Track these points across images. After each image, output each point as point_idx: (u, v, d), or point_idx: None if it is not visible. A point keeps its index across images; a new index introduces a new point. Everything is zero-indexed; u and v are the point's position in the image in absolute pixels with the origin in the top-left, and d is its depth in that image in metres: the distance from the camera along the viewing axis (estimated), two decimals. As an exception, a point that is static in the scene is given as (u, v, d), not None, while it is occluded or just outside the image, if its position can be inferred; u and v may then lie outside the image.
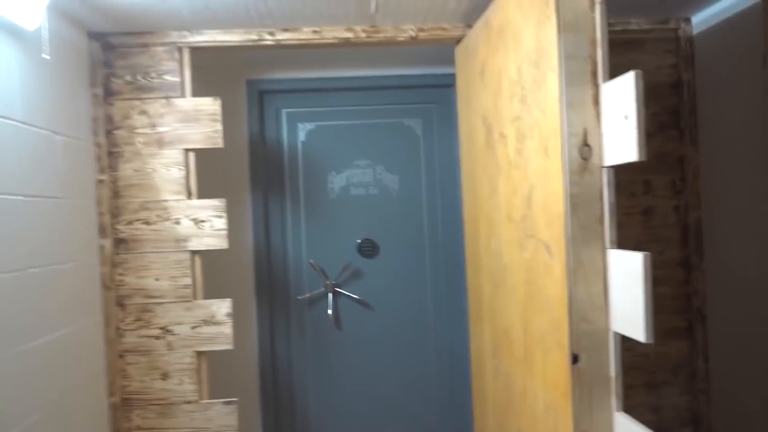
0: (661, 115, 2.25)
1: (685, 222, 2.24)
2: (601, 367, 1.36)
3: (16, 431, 1.51)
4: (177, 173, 2.10)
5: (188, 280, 2.11)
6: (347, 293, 2.69)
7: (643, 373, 2.24)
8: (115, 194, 2.10)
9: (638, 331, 1.22)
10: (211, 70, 2.58)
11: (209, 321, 2.11)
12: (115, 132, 2.10)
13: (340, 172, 2.70)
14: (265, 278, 2.67)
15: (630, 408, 1.39)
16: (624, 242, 1.50)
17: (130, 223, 2.10)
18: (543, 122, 1.45)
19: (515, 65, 1.62)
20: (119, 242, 2.10)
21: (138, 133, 2.10)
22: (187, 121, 2.10)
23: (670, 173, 2.23)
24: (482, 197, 2.01)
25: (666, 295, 2.24)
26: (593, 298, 1.36)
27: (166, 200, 2.11)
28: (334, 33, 2.14)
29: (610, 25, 1.48)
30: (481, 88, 1.95)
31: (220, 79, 2.61)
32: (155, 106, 2.10)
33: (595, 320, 1.36)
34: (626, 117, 1.23)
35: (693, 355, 2.24)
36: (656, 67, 2.22)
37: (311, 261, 2.68)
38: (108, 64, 2.10)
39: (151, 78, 2.11)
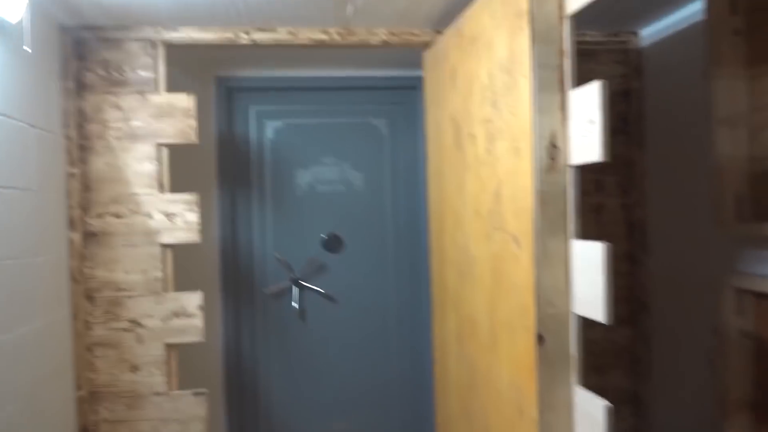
0: (611, 121, 2.43)
1: (631, 219, 2.43)
2: (564, 346, 1.49)
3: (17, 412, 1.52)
4: (149, 167, 2.12)
5: (159, 273, 2.13)
6: (312, 287, 2.76)
7: (591, 358, 2.41)
8: (86, 187, 2.10)
9: (598, 313, 1.36)
10: (181, 66, 2.59)
11: (180, 313, 2.14)
12: (86, 125, 2.10)
13: (307, 169, 2.77)
14: (231, 272, 2.71)
15: (588, 385, 1.54)
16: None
17: (100, 216, 2.11)
18: (514, 125, 1.58)
19: (487, 71, 1.74)
20: (89, 235, 2.10)
21: (110, 127, 2.11)
22: (160, 116, 2.12)
23: (618, 174, 2.42)
24: (449, 193, 2.13)
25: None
26: (557, 285, 1.49)
27: (137, 194, 2.12)
28: (309, 34, 2.21)
29: (572, 37, 1.62)
30: (451, 90, 2.07)
31: (189, 75, 2.63)
32: (129, 101, 2.11)
33: (559, 304, 1.49)
34: (591, 122, 1.37)
35: (636, 342, 2.44)
36: (608, 76, 2.39)
37: (276, 254, 2.73)
38: (81, 58, 2.10)
39: (125, 72, 2.12)
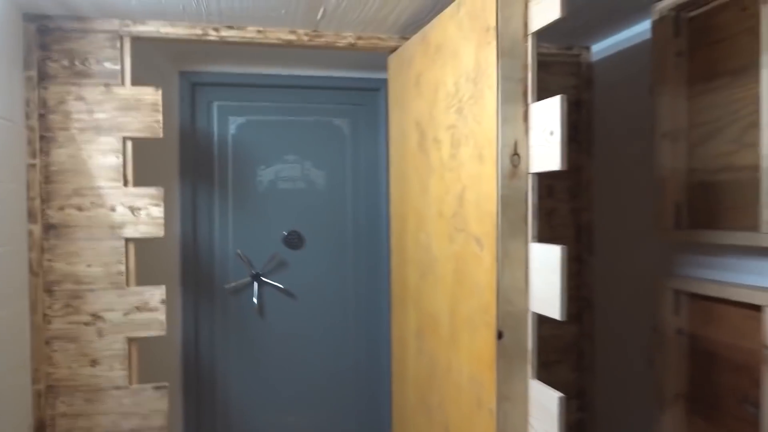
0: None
1: (579, 222, 2.58)
2: (521, 342, 1.60)
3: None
4: (114, 161, 2.11)
5: (122, 267, 2.12)
6: (272, 282, 2.79)
7: (540, 354, 2.55)
8: (47, 179, 2.07)
9: (555, 311, 1.47)
10: (144, 59, 2.56)
11: (143, 308, 2.14)
12: (49, 116, 2.07)
13: (269, 166, 2.80)
14: (191, 267, 2.71)
15: (542, 377, 1.65)
16: (539, 238, 1.76)
17: (61, 208, 2.08)
18: (479, 132, 1.67)
19: (453, 80, 1.83)
20: (49, 227, 2.07)
21: (74, 119, 2.08)
22: (126, 110, 2.11)
23: (568, 180, 2.56)
24: (412, 195, 2.21)
25: (561, 286, 2.57)
26: (516, 284, 1.59)
27: (101, 187, 2.10)
28: (278, 34, 2.24)
29: (534, 52, 1.73)
30: (416, 95, 2.15)
31: (152, 68, 2.60)
32: (93, 93, 2.09)
33: (518, 302, 1.60)
34: (552, 133, 1.47)
35: (581, 338, 2.60)
36: (561, 87, 2.54)
37: (238, 251, 2.75)
38: (44, 47, 2.06)
39: (90, 64, 2.09)
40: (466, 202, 1.76)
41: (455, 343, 1.84)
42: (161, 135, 2.15)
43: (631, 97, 2.39)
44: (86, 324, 2.10)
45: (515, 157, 1.59)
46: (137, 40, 2.16)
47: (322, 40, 2.29)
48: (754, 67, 1.76)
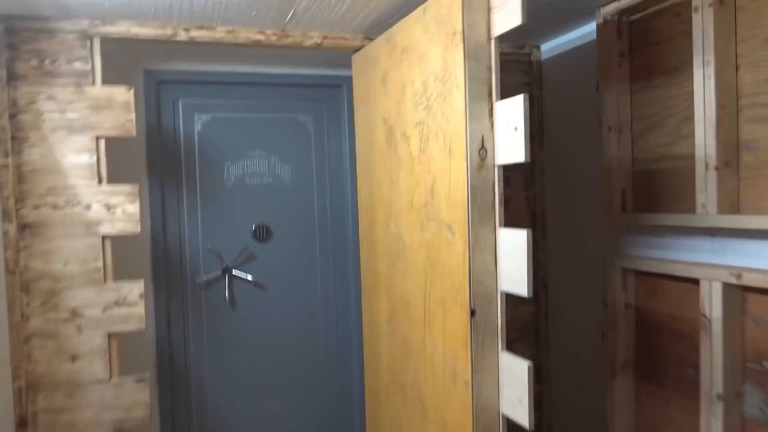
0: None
1: (533, 209, 2.77)
2: (491, 318, 1.75)
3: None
4: (87, 159, 2.13)
5: (99, 264, 2.16)
6: (242, 275, 2.87)
7: (501, 334, 2.74)
8: (20, 179, 2.08)
9: (522, 289, 1.63)
10: (108, 57, 2.58)
11: (121, 303, 2.18)
12: (19, 116, 2.07)
13: (236, 162, 2.86)
14: (162, 262, 2.74)
15: (510, 351, 1.81)
16: (503, 224, 1.91)
17: (36, 207, 2.10)
18: (447, 128, 1.81)
19: (420, 79, 1.96)
20: (24, 227, 2.09)
21: (45, 119, 2.10)
22: (98, 109, 2.14)
23: (522, 170, 2.75)
24: (381, 188, 2.33)
25: (518, 269, 2.76)
26: (487, 266, 1.75)
27: (75, 185, 2.13)
28: (246, 34, 2.31)
29: (495, 53, 1.88)
30: (382, 94, 2.27)
31: (116, 67, 2.61)
32: (64, 93, 2.11)
33: (487, 283, 1.75)
34: (516, 128, 1.63)
35: (537, 317, 2.80)
36: (514, 83, 2.71)
37: (209, 246, 2.81)
38: (12, 47, 2.06)
39: (60, 64, 2.11)
40: (436, 192, 1.90)
41: (429, 323, 1.98)
42: (134, 134, 2.19)
43: (577, 93, 2.59)
44: (65, 321, 2.13)
45: (482, 150, 1.74)
46: (106, 40, 2.18)
47: (290, 40, 2.38)
48: (688, 66, 1.97)
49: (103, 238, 2.16)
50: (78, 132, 2.12)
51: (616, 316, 2.27)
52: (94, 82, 2.14)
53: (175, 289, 2.79)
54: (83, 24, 2.12)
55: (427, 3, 1.90)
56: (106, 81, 2.17)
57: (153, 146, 2.72)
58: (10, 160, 2.05)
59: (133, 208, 2.18)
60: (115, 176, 2.22)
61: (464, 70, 1.71)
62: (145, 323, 2.42)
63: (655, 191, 2.16)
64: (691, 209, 1.97)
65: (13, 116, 2.06)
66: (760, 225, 1.70)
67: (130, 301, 2.19)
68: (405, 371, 2.19)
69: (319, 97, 2.99)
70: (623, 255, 2.29)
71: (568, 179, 2.67)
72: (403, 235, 2.16)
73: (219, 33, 2.28)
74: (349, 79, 2.90)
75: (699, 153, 1.90)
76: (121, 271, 2.41)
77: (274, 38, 2.35)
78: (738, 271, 1.77)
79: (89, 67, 2.14)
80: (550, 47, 2.75)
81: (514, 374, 1.67)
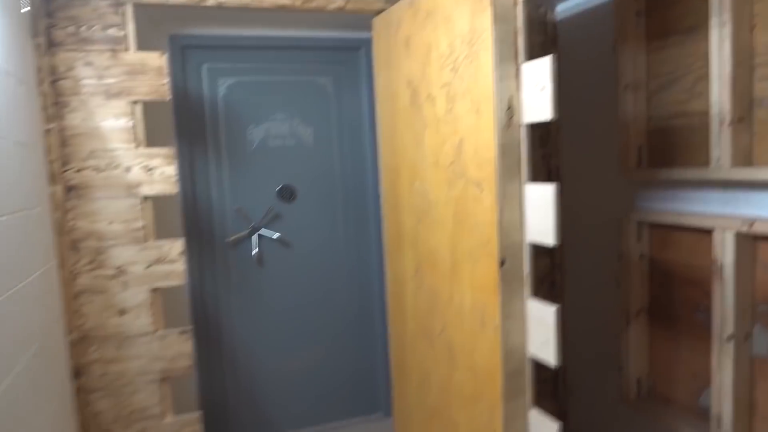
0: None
1: (549, 167, 2.88)
2: (519, 268, 1.88)
3: (24, 359, 1.66)
4: (125, 123, 2.22)
5: (141, 223, 2.27)
6: (268, 234, 2.99)
7: (517, 286, 2.87)
8: (64, 143, 2.17)
9: (549, 239, 1.74)
10: (136, 23, 2.64)
11: (163, 260, 2.30)
12: (60, 82, 2.15)
13: (260, 125, 2.94)
14: (193, 222, 2.86)
15: (534, 298, 1.94)
16: (527, 180, 2.02)
17: (79, 170, 2.20)
18: (475, 89, 1.90)
19: (446, 42, 2.04)
20: (70, 189, 2.19)
21: (84, 84, 2.18)
22: (133, 74, 2.22)
23: (538, 130, 2.84)
24: (405, 147, 2.43)
25: (534, 225, 2.88)
26: (514, 219, 1.86)
27: (115, 149, 2.22)
28: (273, -1, 2.37)
29: (520, 15, 1.95)
30: (405, 56, 2.34)
31: (143, 32, 2.67)
32: (101, 59, 2.18)
33: (515, 235, 1.86)
34: (543, 88, 1.72)
35: (553, 270, 2.93)
36: (530, 44, 2.77)
37: (237, 206, 2.92)
38: (49, 14, 2.13)
39: (95, 31, 2.18)
40: (464, 151, 2.00)
41: (457, 274, 2.11)
42: (168, 97, 2.27)
43: (591, 53, 2.65)
44: (112, 277, 2.25)
45: (510, 110, 1.83)
46: (138, 6, 2.25)
47: (313, 3, 2.43)
48: (704, 26, 2.05)
49: (143, 198, 2.27)
50: (115, 97, 2.21)
51: (631, 267, 2.40)
52: (128, 48, 2.22)
53: (205, 248, 2.92)
54: (116, -9, 2.18)
55: (454, -34, 1.96)
56: (137, 47, 2.25)
57: (180, 110, 2.80)
58: (54, 125, 2.14)
59: (170, 170, 2.28)
60: (147, 140, 2.31)
61: (492, 33, 1.78)
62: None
63: (669, 147, 2.26)
64: (705, 163, 2.07)
65: (53, 82, 2.14)
66: (772, 177, 1.80)
67: (171, 259, 2.31)
68: (432, 320, 2.33)
69: (338, 59, 3.05)
70: (638, 209, 2.41)
71: (581, 137, 2.77)
72: (428, 192, 2.26)
73: (246, -2, 2.34)
74: (367, 42, 2.97)
75: (714, 110, 1.99)
76: (157, 230, 2.52)
77: (298, 2, 2.41)
78: (750, 221, 1.88)
79: (123, 33, 2.21)
80: (565, 7, 2.80)
81: (541, 318, 1.80)
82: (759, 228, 1.85)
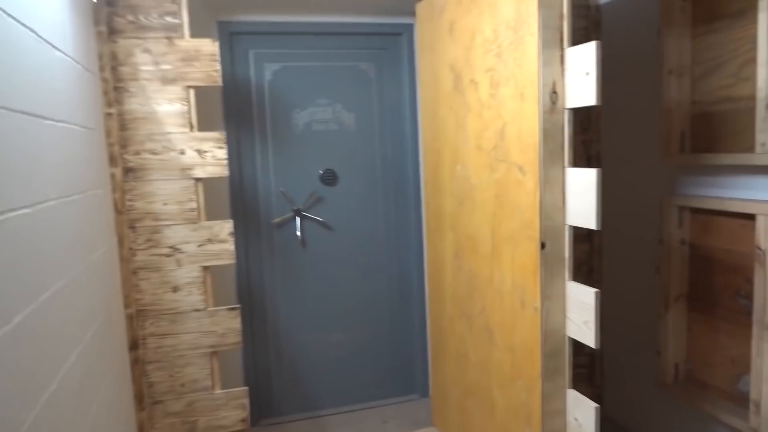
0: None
1: (589, 153, 2.89)
2: (560, 251, 1.92)
3: (93, 328, 1.78)
4: (180, 108, 2.32)
5: (194, 204, 2.38)
6: (312, 216, 3.08)
7: (556, 270, 2.90)
8: (122, 126, 2.29)
9: (591, 223, 1.78)
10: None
11: (213, 240, 2.41)
12: (119, 68, 2.26)
13: (304, 110, 3.03)
14: (240, 204, 2.97)
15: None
16: (569, 165, 2.05)
17: (137, 153, 2.31)
18: (519, 74, 1.93)
19: (491, 27, 2.07)
20: (128, 171, 2.31)
21: (142, 70, 2.28)
22: (188, 60, 2.31)
23: (579, 116, 2.85)
24: (447, 132, 2.48)
25: (573, 210, 2.90)
26: (555, 203, 1.90)
27: (170, 132, 2.33)
28: (321, -14, 2.43)
29: None
30: (449, 41, 2.39)
31: (193, 20, 2.76)
32: (158, 46, 2.28)
33: (556, 218, 1.91)
34: (587, 73, 1.74)
35: (591, 255, 2.95)
36: (573, 28, 2.78)
37: (282, 189, 3.02)
38: (110, 3, 2.23)
39: (152, 19, 2.28)
40: (507, 135, 2.04)
41: (497, 257, 2.16)
42: (220, 83, 2.36)
43: (633, 37, 2.65)
44: (166, 256, 2.37)
45: (554, 95, 1.86)
46: (192, -5, 2.34)
47: (360, -10, 2.49)
48: (752, 10, 2.03)
49: (196, 180, 2.37)
50: (170, 82, 2.31)
51: (671, 252, 2.41)
52: (182, 36, 2.31)
53: (251, 229, 3.03)
54: (172, -20, 2.27)
55: (499, -47, 1.99)
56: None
57: (228, 95, 2.90)
58: (114, 109, 2.25)
59: (222, 153, 2.38)
60: (198, 124, 2.41)
61: (538, 19, 1.81)
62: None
63: (712, 133, 2.25)
64: (750, 149, 2.07)
65: (114, 68, 2.25)
66: (819, 163, 1.80)
67: (222, 239, 2.42)
68: (471, 302, 2.39)
69: (380, 45, 3.10)
70: (679, 194, 2.41)
71: (623, 122, 2.77)
72: (470, 176, 2.31)
73: (294, -14, 2.41)
74: (408, 27, 3.02)
75: (760, 94, 1.98)
76: (206, 211, 2.64)
77: (345, -11, 2.47)
78: (794, 207, 1.88)
79: (178, 21, 2.30)
80: (609, -8, 2.79)
81: (582, 300, 1.85)
82: (804, 214, 1.85)
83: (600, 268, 2.96)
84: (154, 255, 2.36)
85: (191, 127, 2.35)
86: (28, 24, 1.38)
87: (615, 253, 2.90)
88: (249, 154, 2.98)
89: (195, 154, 2.35)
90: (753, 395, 2.07)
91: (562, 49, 1.85)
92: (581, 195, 1.81)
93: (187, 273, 2.40)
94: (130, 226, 2.33)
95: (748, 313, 2.11)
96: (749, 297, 2.09)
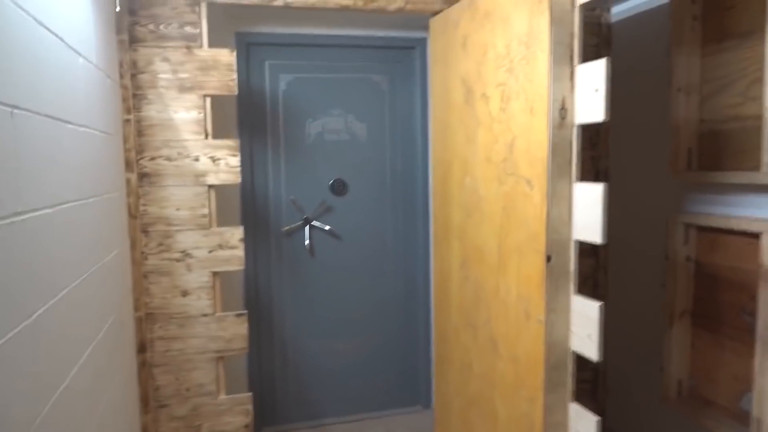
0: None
1: (598, 168, 2.91)
2: (565, 264, 1.94)
3: (105, 328, 1.82)
4: (196, 116, 2.38)
5: (205, 210, 2.42)
6: (320, 226, 3.12)
7: (561, 284, 2.92)
8: (139, 132, 2.34)
9: (597, 237, 1.80)
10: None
11: (224, 246, 2.45)
12: (139, 76, 2.32)
13: (316, 120, 3.08)
14: (251, 211, 3.01)
15: (580, 294, 2.00)
16: (576, 179, 2.07)
17: (153, 159, 2.36)
18: (530, 89, 1.97)
19: (504, 42, 2.11)
20: (143, 176, 2.36)
21: (160, 78, 2.34)
22: (205, 69, 2.37)
23: (588, 131, 2.87)
24: (457, 144, 2.51)
25: (580, 225, 2.92)
26: (562, 217, 1.92)
27: (186, 139, 2.38)
28: (336, 0, 2.48)
29: (575, 19, 2.01)
30: (462, 55, 2.43)
31: (213, 30, 2.82)
32: (176, 54, 2.34)
33: (563, 232, 1.93)
34: (597, 90, 1.78)
35: (597, 270, 2.96)
36: (584, 45, 2.81)
37: (292, 197, 3.06)
38: (132, 13, 2.29)
39: (172, 29, 2.33)
40: (516, 149, 2.07)
41: (503, 268, 2.18)
42: (236, 92, 2.41)
43: (643, 56, 2.68)
44: (177, 260, 2.41)
45: (563, 110, 1.89)
46: (212, 6, 2.39)
47: (375, 4, 2.54)
48: (760, 30, 2.06)
49: (209, 187, 2.42)
50: (188, 90, 2.36)
51: (677, 268, 2.42)
52: (201, 45, 2.37)
53: (261, 236, 3.07)
54: (191, -9, 2.33)
55: (512, -29, 2.04)
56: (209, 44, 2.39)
57: (242, 104, 2.95)
58: (132, 115, 2.30)
59: (235, 161, 2.42)
60: (213, 132, 2.46)
61: (549, 35, 1.85)
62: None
63: (719, 151, 2.28)
64: (756, 168, 2.09)
65: (133, 76, 2.31)
66: (825, 183, 1.82)
67: (232, 245, 2.46)
68: (477, 312, 2.41)
69: (393, 58, 3.15)
70: (686, 211, 2.43)
71: (631, 138, 2.79)
72: (479, 188, 2.34)
73: (311, -1, 2.46)
74: (421, 41, 3.07)
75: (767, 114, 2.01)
76: (217, 218, 2.68)
77: (361, 3, 2.52)
78: (800, 226, 1.90)
79: (198, 31, 2.36)
80: (620, 10, 2.83)
81: (585, 314, 1.87)
82: (809, 233, 1.87)
83: (605, 282, 2.97)
84: (165, 259, 2.40)
85: (206, 135, 2.40)
86: (55, 31, 1.43)
87: (621, 269, 2.91)
88: (261, 162, 3.03)
89: (209, 161, 2.40)
90: (755, 413, 2.07)
91: (572, 66, 1.88)
92: (588, 209, 1.83)
93: (197, 278, 2.43)
94: (143, 230, 2.37)
95: (752, 330, 2.12)
96: (754, 314, 2.10)
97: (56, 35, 1.44)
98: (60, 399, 1.34)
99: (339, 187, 3.13)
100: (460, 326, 2.59)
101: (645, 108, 2.69)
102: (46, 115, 1.34)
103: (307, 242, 3.11)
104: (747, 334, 2.16)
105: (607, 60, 1.73)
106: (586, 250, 2.93)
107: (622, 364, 2.93)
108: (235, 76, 2.39)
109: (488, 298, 2.31)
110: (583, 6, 1.85)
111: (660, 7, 2.55)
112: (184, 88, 2.36)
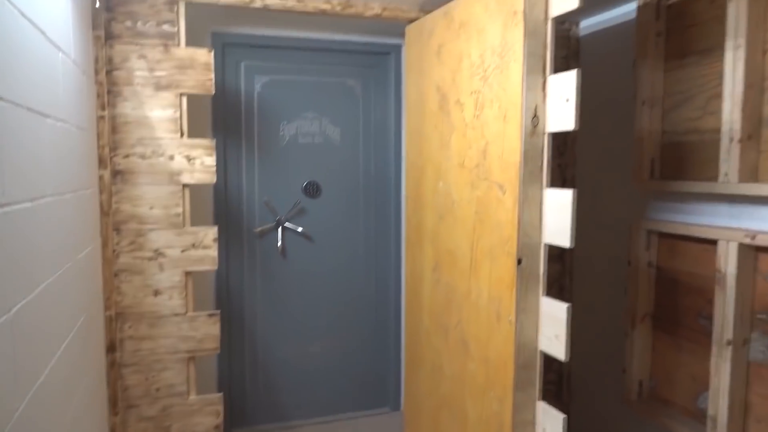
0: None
1: (564, 176, 3.01)
2: (535, 267, 2.01)
3: (76, 327, 1.80)
4: (172, 114, 2.37)
5: (179, 210, 2.41)
6: (293, 227, 3.13)
7: (529, 288, 3.00)
8: (114, 129, 2.32)
9: (565, 241, 1.88)
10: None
11: (197, 245, 2.45)
12: (114, 72, 2.30)
13: (291, 122, 3.09)
14: (223, 212, 3.00)
15: (548, 296, 2.07)
16: (546, 186, 2.15)
17: (127, 156, 2.34)
18: (503, 97, 2.03)
19: (478, 52, 2.18)
20: (116, 173, 2.34)
21: (137, 76, 2.33)
22: (182, 68, 2.37)
23: (556, 140, 2.97)
24: (431, 149, 2.57)
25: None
26: (533, 221, 1.99)
27: (161, 138, 2.37)
28: (315, 3, 2.52)
29: (548, 31, 2.09)
30: (437, 63, 2.49)
31: (189, 29, 2.82)
32: (153, 52, 2.34)
33: (533, 236, 2.00)
34: (567, 100, 1.85)
35: (562, 274, 3.06)
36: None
37: (265, 199, 3.06)
38: (109, 9, 2.28)
39: (150, 26, 2.33)
40: (489, 155, 2.13)
41: (475, 271, 2.24)
42: (213, 92, 2.42)
43: (609, 69, 2.79)
44: (149, 259, 2.40)
45: (535, 118, 1.96)
46: (190, 5, 2.40)
47: (353, 9, 2.58)
48: (719, 48, 2.18)
49: (183, 186, 2.41)
50: (164, 89, 2.36)
51: (639, 274, 2.53)
52: (179, 44, 2.36)
53: (233, 237, 3.06)
54: (170, -10, 2.33)
55: (488, -17, 2.11)
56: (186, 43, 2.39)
57: (217, 105, 2.95)
58: (106, 112, 2.28)
59: (210, 161, 2.43)
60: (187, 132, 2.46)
61: (523, 46, 1.92)
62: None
63: (681, 161, 2.39)
64: (714, 178, 2.20)
65: (109, 72, 2.29)
66: (777, 193, 1.93)
67: (206, 245, 2.45)
68: (448, 314, 2.46)
69: (368, 63, 3.20)
70: (648, 218, 2.54)
71: (596, 147, 2.90)
72: (452, 192, 2.40)
73: (290, 2, 2.49)
74: (396, 48, 3.12)
75: (725, 127, 2.12)
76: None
77: (338, 8, 2.56)
78: (753, 233, 2.01)
79: (175, 29, 2.36)
80: (588, 24, 2.94)
81: (554, 315, 1.93)
82: (761, 240, 1.98)
83: (570, 287, 3.07)
84: (137, 258, 2.38)
85: (182, 134, 2.39)
86: (38, 24, 1.42)
87: (585, 274, 3.01)
88: (234, 163, 3.03)
89: (184, 160, 2.39)
90: (711, 412, 2.17)
91: (544, 76, 1.95)
92: (557, 214, 1.91)
93: (169, 277, 2.42)
94: (115, 228, 2.35)
95: (708, 333, 2.23)
96: (710, 318, 2.20)
97: (39, 28, 1.44)
98: (36, 395, 1.33)
99: (312, 190, 3.15)
100: (431, 329, 2.64)
101: (609, 119, 2.80)
102: (28, 108, 1.34)
103: (279, 244, 3.12)
104: (704, 337, 2.27)
105: (578, 71, 1.81)
106: (553, 255, 3.02)
107: (586, 366, 3.03)
108: (212, 75, 2.40)
109: (460, 300, 2.36)
110: (555, 19, 1.93)
111: (626, 23, 2.66)
112: (160, 86, 2.35)
